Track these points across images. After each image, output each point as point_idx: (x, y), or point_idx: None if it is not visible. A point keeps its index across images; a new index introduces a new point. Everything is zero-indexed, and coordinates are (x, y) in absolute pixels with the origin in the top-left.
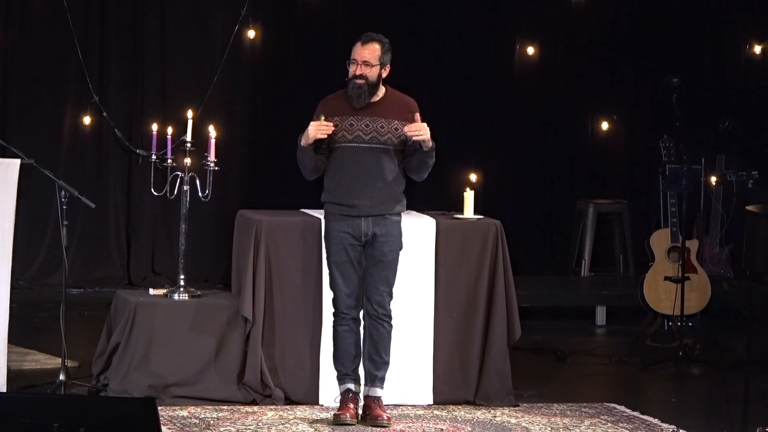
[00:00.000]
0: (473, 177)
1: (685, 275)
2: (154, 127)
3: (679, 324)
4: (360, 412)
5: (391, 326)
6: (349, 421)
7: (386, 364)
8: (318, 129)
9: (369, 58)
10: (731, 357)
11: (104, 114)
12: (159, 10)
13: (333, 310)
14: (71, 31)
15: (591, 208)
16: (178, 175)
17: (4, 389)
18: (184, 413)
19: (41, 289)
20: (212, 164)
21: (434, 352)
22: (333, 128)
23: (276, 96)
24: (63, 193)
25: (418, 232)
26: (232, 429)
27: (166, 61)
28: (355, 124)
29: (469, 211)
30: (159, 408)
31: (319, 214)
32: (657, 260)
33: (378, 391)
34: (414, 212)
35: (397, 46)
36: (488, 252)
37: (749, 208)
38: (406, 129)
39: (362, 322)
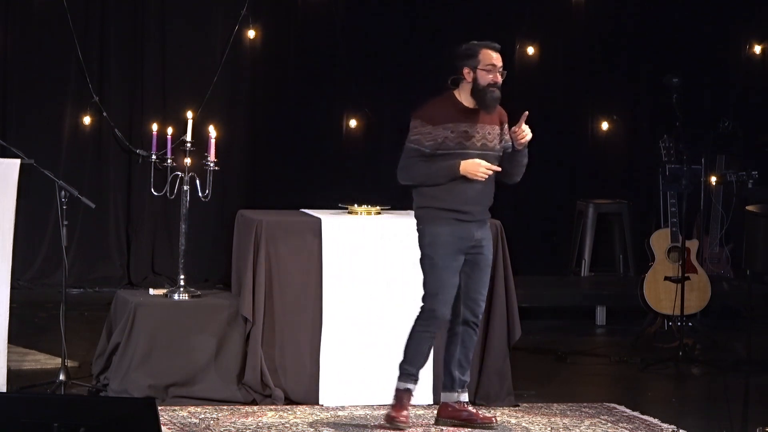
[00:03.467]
0: None
1: (685, 275)
2: (154, 127)
3: (679, 324)
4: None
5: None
6: (402, 427)
7: (470, 367)
8: (475, 173)
9: (501, 64)
10: (731, 357)
11: (104, 114)
12: (159, 10)
13: (423, 312)
14: (71, 31)
15: (591, 208)
16: (178, 175)
17: (4, 389)
18: (184, 413)
19: (41, 289)
20: (212, 164)
21: (434, 352)
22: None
23: (276, 96)
24: (63, 193)
25: None
26: (232, 429)
27: (166, 61)
28: (469, 131)
29: None
30: (159, 408)
31: (319, 214)
32: (657, 260)
33: (467, 396)
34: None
35: (396, 46)
36: None
37: (749, 208)
38: (519, 137)
39: (439, 328)
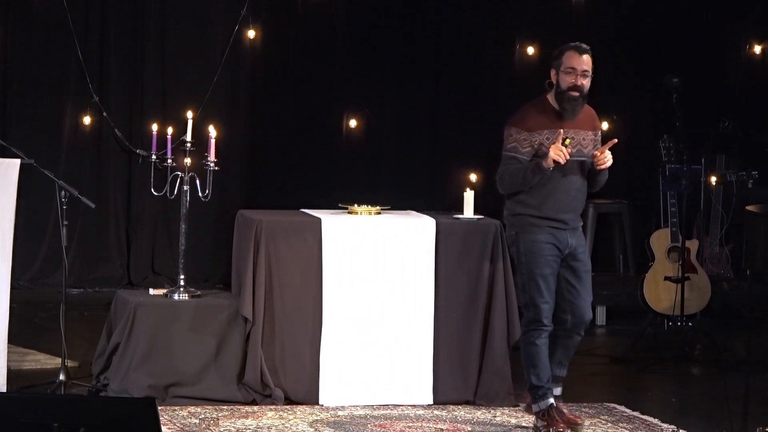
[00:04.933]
0: (473, 177)
1: (685, 275)
2: (154, 127)
3: (679, 324)
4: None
5: None
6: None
7: (568, 363)
8: (558, 154)
9: (588, 68)
10: (731, 357)
11: (104, 114)
12: (159, 10)
13: (530, 323)
14: (71, 31)
15: (591, 208)
16: (178, 175)
17: (4, 389)
18: (184, 413)
19: (41, 289)
20: (212, 164)
21: (434, 352)
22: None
23: (276, 96)
24: (63, 193)
25: (418, 232)
26: (232, 429)
27: (166, 61)
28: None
29: (469, 211)
30: (159, 408)
31: (319, 214)
32: (657, 260)
33: (560, 389)
34: (414, 212)
35: (396, 46)
36: (488, 252)
37: (749, 208)
38: (599, 162)
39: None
